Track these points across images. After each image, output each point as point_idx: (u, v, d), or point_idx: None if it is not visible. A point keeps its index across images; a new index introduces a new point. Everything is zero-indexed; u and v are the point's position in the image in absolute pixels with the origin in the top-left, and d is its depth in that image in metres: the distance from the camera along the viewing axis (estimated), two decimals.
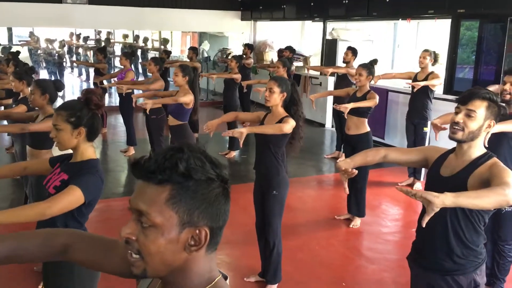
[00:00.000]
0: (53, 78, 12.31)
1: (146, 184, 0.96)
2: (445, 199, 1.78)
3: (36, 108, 3.61)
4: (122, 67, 7.30)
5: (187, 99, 4.90)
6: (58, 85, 3.62)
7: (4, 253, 1.22)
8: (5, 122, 5.29)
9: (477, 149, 2.16)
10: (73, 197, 2.13)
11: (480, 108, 2.12)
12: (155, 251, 0.95)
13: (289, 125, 3.27)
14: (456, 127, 2.14)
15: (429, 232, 2.24)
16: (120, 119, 7.56)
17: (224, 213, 1.00)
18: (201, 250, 0.98)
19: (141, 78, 13.08)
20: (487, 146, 2.85)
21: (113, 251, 1.26)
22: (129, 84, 6.50)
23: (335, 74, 7.47)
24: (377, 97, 4.64)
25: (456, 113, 2.17)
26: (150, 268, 0.97)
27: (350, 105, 4.55)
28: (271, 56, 11.34)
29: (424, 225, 1.87)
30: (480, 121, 2.12)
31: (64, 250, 1.30)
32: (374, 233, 4.75)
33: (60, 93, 3.91)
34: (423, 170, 5.66)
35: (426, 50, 5.79)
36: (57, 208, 2.08)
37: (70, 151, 2.35)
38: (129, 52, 8.26)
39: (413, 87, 5.66)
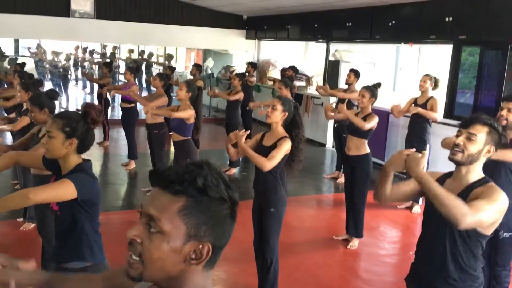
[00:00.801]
0: (57, 90, 12.41)
1: (162, 192, 1.00)
2: (419, 171, 2.01)
3: (40, 123, 3.61)
4: (127, 81, 7.38)
5: (185, 114, 4.93)
6: (52, 95, 3.56)
7: None
8: (8, 135, 5.31)
9: (475, 174, 2.19)
10: (63, 188, 2.12)
11: (481, 133, 2.15)
12: (157, 257, 0.98)
13: (276, 158, 3.26)
14: (456, 149, 2.17)
15: (428, 254, 2.26)
16: (122, 132, 7.61)
17: (228, 234, 1.04)
18: (199, 265, 1.01)
19: (144, 93, 13.18)
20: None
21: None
22: (136, 97, 6.53)
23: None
24: (376, 119, 4.67)
25: (457, 136, 2.21)
26: (148, 273, 0.99)
27: (344, 109, 4.75)
28: (274, 75, 11.45)
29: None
30: (480, 145, 2.15)
31: None
32: (372, 254, 4.75)
33: (63, 105, 3.93)
34: None
35: (426, 75, 5.87)
36: (43, 195, 2.09)
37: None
38: (134, 67, 8.36)
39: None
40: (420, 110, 5.60)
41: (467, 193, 2.13)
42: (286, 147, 3.32)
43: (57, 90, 12.49)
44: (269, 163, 3.25)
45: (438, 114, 5.74)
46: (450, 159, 2.20)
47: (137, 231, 1.00)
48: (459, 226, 1.95)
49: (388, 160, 2.17)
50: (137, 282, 1.02)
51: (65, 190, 2.13)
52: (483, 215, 1.98)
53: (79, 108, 2.39)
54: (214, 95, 7.77)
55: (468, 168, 2.17)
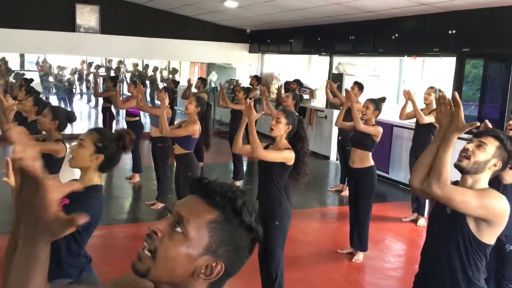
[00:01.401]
0: (62, 104, 12.50)
1: (200, 199, 1.01)
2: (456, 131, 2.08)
3: (43, 132, 3.66)
4: (130, 94, 7.43)
5: (191, 129, 4.93)
6: (71, 116, 3.69)
7: None
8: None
9: (481, 185, 2.19)
10: None
11: (492, 145, 2.16)
12: (171, 257, 0.97)
13: (279, 156, 3.31)
14: (464, 154, 2.17)
15: (433, 266, 2.26)
16: None
17: (241, 264, 1.04)
18: (205, 282, 1.00)
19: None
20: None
21: None
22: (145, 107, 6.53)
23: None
24: (380, 130, 4.68)
25: (468, 143, 2.22)
26: (155, 271, 0.98)
27: (352, 102, 4.72)
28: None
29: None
30: (488, 155, 2.15)
31: None
32: (377, 268, 4.72)
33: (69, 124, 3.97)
34: (427, 206, 5.64)
35: (431, 87, 5.88)
36: None
37: (74, 177, 2.39)
38: (137, 81, 8.40)
39: (417, 122, 5.71)
40: (428, 119, 5.55)
41: None
42: (286, 154, 3.33)
43: (62, 104, 12.60)
44: (262, 152, 3.29)
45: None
46: (456, 165, 2.20)
47: (161, 226, 0.99)
48: (431, 185, 2.06)
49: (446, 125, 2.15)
50: (141, 277, 1.00)
51: None
52: (457, 194, 2.08)
53: (116, 129, 2.47)
54: (222, 91, 7.73)
55: (474, 178, 2.17)
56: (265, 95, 6.36)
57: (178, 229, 0.98)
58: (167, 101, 4.94)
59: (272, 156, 3.32)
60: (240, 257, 1.02)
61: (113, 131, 2.44)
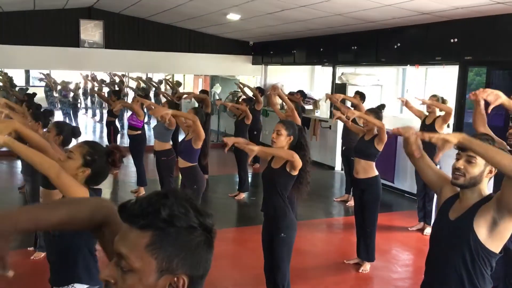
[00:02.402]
0: (67, 120, 12.58)
1: (130, 227, 0.96)
2: (458, 135, 1.95)
3: None
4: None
5: (201, 130, 4.87)
6: (76, 132, 3.72)
7: (56, 220, 1.18)
8: (19, 163, 5.35)
9: (481, 193, 2.18)
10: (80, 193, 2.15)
11: None
12: None
13: (298, 159, 3.31)
14: (458, 173, 2.16)
15: (439, 275, 2.24)
16: (131, 159, 7.67)
17: (206, 262, 0.99)
18: None
19: (153, 121, 13.29)
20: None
21: None
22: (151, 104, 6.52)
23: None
24: (385, 136, 4.66)
25: (457, 159, 2.20)
26: None
27: (357, 113, 4.61)
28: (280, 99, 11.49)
29: (437, 160, 2.02)
30: (481, 166, 2.14)
31: (103, 224, 1.24)
32: (384, 278, 4.68)
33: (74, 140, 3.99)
34: (433, 216, 5.61)
35: (434, 96, 5.87)
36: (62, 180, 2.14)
37: None
38: (142, 95, 8.46)
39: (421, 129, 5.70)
40: (439, 108, 5.62)
41: (475, 210, 2.12)
42: (295, 154, 3.32)
43: (67, 119, 12.66)
44: (295, 154, 3.28)
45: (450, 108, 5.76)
46: (453, 183, 2.20)
47: (109, 271, 0.97)
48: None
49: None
50: None
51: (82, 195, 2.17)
52: None
53: (108, 145, 2.45)
54: (226, 104, 7.81)
55: (473, 189, 2.17)
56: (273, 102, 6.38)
57: (125, 269, 0.95)
58: (167, 111, 4.92)
59: (298, 158, 3.32)
60: (198, 257, 0.97)
61: (106, 145, 2.43)
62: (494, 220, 2.05)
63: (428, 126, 5.69)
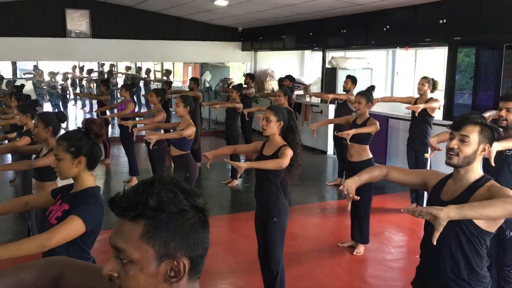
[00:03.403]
0: (56, 111, 12.47)
1: (122, 221, 0.98)
2: (449, 212, 1.84)
3: (41, 141, 3.65)
4: (123, 98, 7.41)
5: (190, 131, 4.89)
6: (61, 117, 3.68)
7: None
8: (9, 157, 5.33)
9: (474, 173, 2.19)
10: (73, 226, 2.13)
11: (473, 133, 2.16)
12: (137, 286, 0.97)
13: (287, 158, 3.30)
14: (451, 153, 2.17)
15: (434, 256, 2.25)
16: (122, 150, 7.63)
17: (203, 241, 1.01)
18: (182, 280, 0.99)
19: (143, 110, 13.23)
20: (493, 165, 2.89)
21: None
22: (132, 116, 6.55)
23: (335, 101, 7.56)
24: (377, 123, 4.68)
25: (451, 139, 2.21)
26: None
27: (352, 131, 4.60)
28: (272, 85, 11.48)
29: (434, 242, 1.90)
30: (474, 145, 2.16)
31: (57, 282, 1.31)
32: (378, 260, 4.73)
33: (63, 125, 3.97)
34: (425, 197, 5.66)
35: (424, 77, 5.87)
36: (57, 239, 2.08)
37: (71, 180, 2.38)
38: (129, 84, 8.39)
39: (413, 113, 5.69)
40: (422, 105, 5.54)
41: (470, 193, 2.13)
42: (289, 152, 3.33)
43: (56, 111, 12.56)
44: (285, 160, 3.28)
45: (439, 103, 5.77)
46: (447, 163, 2.21)
47: (111, 266, 0.99)
48: None
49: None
50: None
51: (76, 230, 2.15)
52: None
53: (80, 126, 2.42)
54: (214, 107, 7.81)
55: (466, 168, 2.18)
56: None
57: (125, 261, 0.97)
58: (154, 136, 4.93)
59: (288, 158, 3.31)
60: (195, 237, 0.99)
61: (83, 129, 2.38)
62: None
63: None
